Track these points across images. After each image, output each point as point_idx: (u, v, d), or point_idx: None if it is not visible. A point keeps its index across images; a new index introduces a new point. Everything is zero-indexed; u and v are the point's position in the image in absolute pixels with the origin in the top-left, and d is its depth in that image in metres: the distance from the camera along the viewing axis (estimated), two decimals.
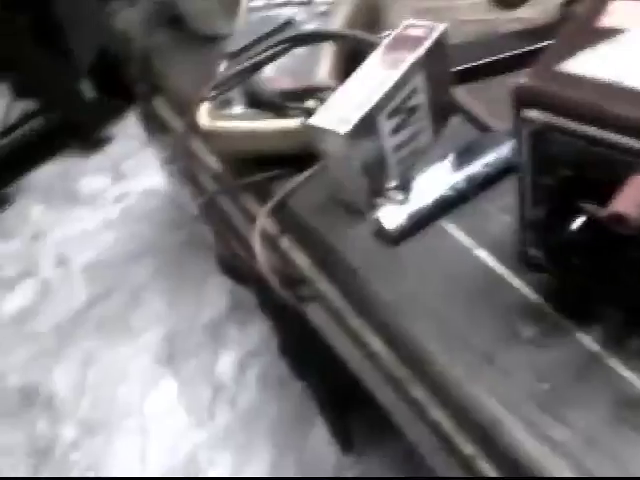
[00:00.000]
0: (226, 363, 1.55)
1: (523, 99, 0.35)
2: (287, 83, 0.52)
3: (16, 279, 1.84)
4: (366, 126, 0.46)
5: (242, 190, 0.58)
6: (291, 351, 1.12)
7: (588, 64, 0.34)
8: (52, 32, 1.00)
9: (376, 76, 0.48)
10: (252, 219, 0.55)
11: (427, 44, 0.50)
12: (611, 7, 0.37)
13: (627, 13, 0.37)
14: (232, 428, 1.45)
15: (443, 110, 0.54)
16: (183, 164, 0.81)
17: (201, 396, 1.50)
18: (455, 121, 0.55)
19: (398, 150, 0.50)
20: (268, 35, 0.57)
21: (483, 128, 0.51)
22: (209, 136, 0.54)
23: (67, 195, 2.03)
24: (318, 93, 0.53)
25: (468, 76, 0.57)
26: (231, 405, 1.49)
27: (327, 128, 0.46)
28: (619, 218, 0.30)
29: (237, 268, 0.87)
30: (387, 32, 0.60)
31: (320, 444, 1.41)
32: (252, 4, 0.62)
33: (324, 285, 0.53)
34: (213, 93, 0.55)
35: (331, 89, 0.51)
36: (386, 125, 0.48)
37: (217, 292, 1.69)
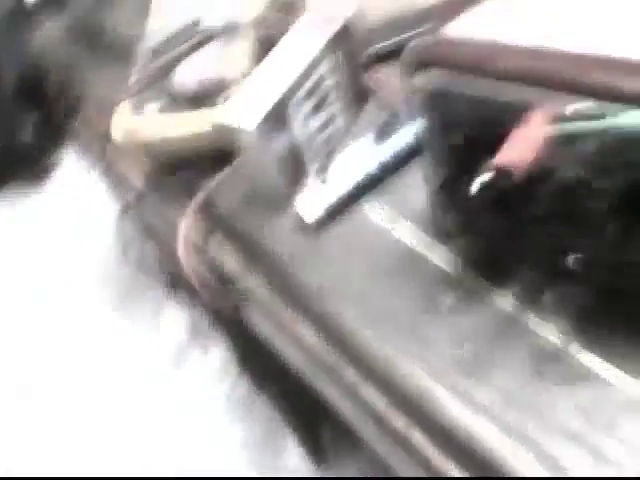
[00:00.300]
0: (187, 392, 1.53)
1: (413, 63, 0.36)
2: (198, 80, 0.53)
3: None
4: (276, 117, 0.47)
5: (164, 197, 0.57)
6: (250, 366, 1.10)
7: (467, 26, 0.35)
8: None
9: (283, 64, 0.48)
10: (176, 223, 0.55)
11: (334, 28, 0.50)
12: None
13: None
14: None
15: (358, 94, 0.54)
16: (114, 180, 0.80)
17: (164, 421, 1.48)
18: (372, 105, 0.56)
19: (313, 137, 0.50)
20: (178, 36, 0.58)
21: (396, 109, 0.52)
22: (125, 135, 0.54)
23: (12, 227, 1.99)
24: (230, 88, 0.53)
25: (383, 58, 0.58)
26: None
27: (234, 126, 0.46)
28: (502, 171, 0.30)
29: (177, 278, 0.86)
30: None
31: (294, 460, 1.39)
32: (162, 5, 0.63)
33: (253, 281, 0.53)
34: (129, 96, 0.55)
35: (240, 83, 0.52)
36: (297, 113, 0.48)
37: (174, 318, 1.67)
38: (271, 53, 0.50)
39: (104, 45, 0.74)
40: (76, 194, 1.95)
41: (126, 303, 1.74)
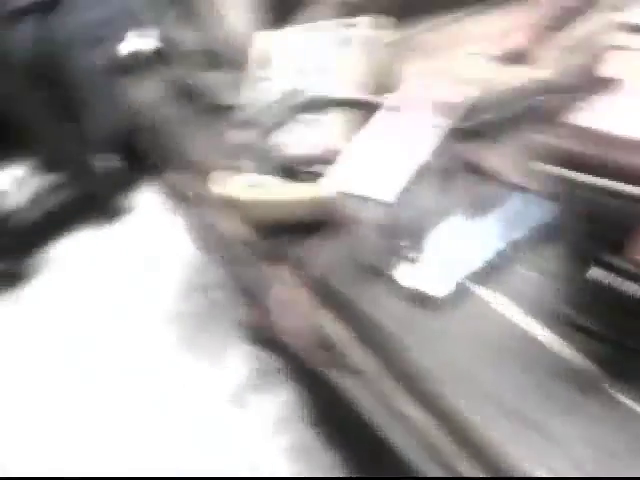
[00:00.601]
0: (251, 434, 1.52)
1: (549, 156, 0.35)
2: (299, 150, 0.53)
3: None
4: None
5: (263, 256, 0.58)
6: (323, 420, 1.09)
7: (596, 116, 0.35)
8: (68, 108, 1.03)
9: (401, 138, 0.48)
10: (274, 284, 0.55)
11: (458, 110, 0.50)
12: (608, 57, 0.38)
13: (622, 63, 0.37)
14: None
15: (453, 167, 0.54)
16: (203, 232, 0.82)
17: (225, 467, 1.47)
18: (468, 178, 0.55)
19: (423, 210, 0.50)
20: (277, 103, 0.59)
21: (501, 185, 0.51)
22: (226, 204, 0.55)
23: (86, 267, 2.04)
24: (330, 158, 0.53)
25: (477, 133, 0.57)
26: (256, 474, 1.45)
27: (368, 196, 0.46)
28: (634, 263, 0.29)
29: (263, 335, 0.87)
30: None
31: None
32: (261, 74, 0.65)
33: (357, 352, 0.52)
34: (226, 161, 0.56)
35: (341, 153, 0.52)
36: (410, 187, 0.48)
37: (238, 360, 1.68)
38: (378, 123, 0.51)
39: (201, 105, 0.76)
40: (154, 235, 2.01)
41: (193, 340, 1.77)
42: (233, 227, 0.62)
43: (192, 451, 1.50)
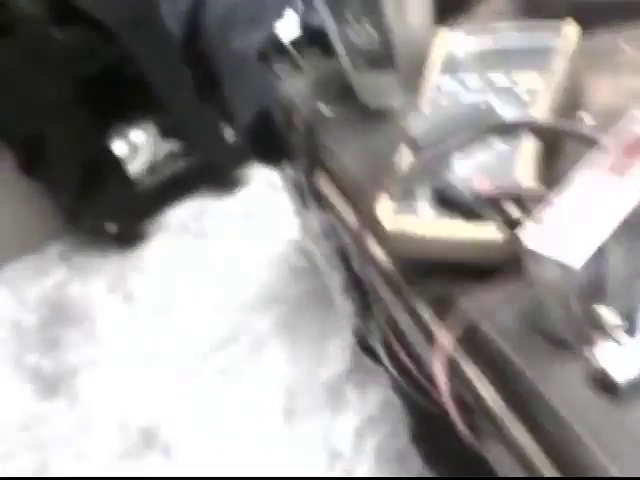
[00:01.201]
0: (344, 429, 1.50)
1: None
2: (483, 184, 0.48)
3: (148, 315, 1.89)
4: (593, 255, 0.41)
5: (415, 294, 0.53)
6: (426, 441, 1.05)
7: None
8: (209, 84, 1.02)
9: (606, 191, 0.42)
10: (428, 332, 0.51)
11: None
12: None
13: None
14: None
15: None
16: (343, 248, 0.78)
17: (316, 462, 1.46)
18: None
19: (622, 275, 0.44)
20: (459, 122, 0.53)
21: None
22: (386, 235, 0.51)
23: (198, 235, 2.07)
24: (519, 198, 0.48)
25: None
26: (347, 474, 1.44)
27: (552, 258, 0.41)
28: None
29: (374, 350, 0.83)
30: (585, 115, 0.55)
31: None
32: (440, 83, 0.58)
33: (513, 425, 0.47)
34: (394, 187, 0.51)
35: (535, 194, 0.47)
36: (613, 250, 0.42)
37: (337, 350, 1.66)
38: (581, 168, 0.44)
39: (352, 105, 0.71)
40: (265, 213, 2.01)
41: (294, 321, 1.77)
42: (381, 254, 0.58)
43: (281, 440, 1.51)
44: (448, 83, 0.57)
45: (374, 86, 0.66)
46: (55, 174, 1.96)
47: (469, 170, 0.50)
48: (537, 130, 0.52)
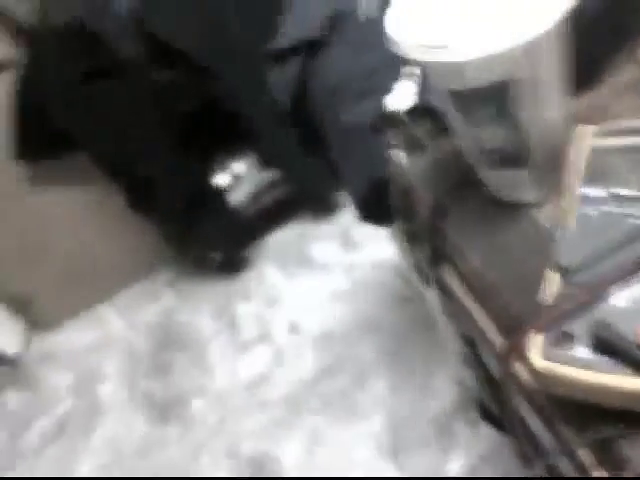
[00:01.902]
0: (453, 468, 1.48)
1: None
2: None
3: (252, 342, 1.93)
4: None
5: (572, 432, 0.51)
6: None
7: None
8: (316, 144, 1.03)
9: None
10: (582, 469, 0.48)
11: None
12: None
13: None
14: None
15: None
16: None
17: None
18: None
19: None
20: (614, 247, 0.50)
21: None
22: (539, 375, 0.48)
23: (300, 261, 2.10)
24: None
25: None
26: None
27: None
28: None
29: (498, 419, 0.80)
30: None
31: None
32: (586, 192, 0.55)
33: None
34: (545, 321, 0.49)
35: None
36: None
37: (443, 383, 1.64)
38: None
39: (476, 193, 0.68)
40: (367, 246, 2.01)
41: (398, 349, 1.75)
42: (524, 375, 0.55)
43: (387, 474, 1.51)
44: (594, 192, 0.54)
45: (505, 180, 0.64)
46: (162, 208, 2.04)
47: (635, 307, 0.46)
48: None
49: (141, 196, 2.06)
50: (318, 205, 2.13)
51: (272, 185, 2.09)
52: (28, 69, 1.90)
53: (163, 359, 1.99)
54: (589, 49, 0.70)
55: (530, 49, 0.53)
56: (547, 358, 0.47)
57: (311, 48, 1.00)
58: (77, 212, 2.14)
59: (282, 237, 2.17)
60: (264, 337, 1.93)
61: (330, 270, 2.02)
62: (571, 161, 0.57)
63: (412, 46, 0.54)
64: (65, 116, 1.95)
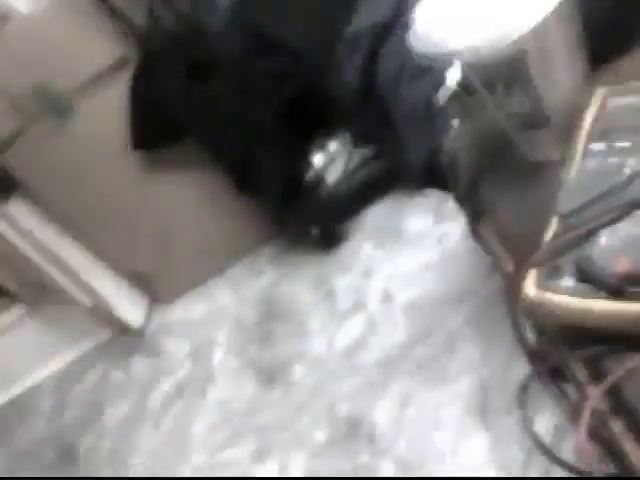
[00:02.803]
0: (541, 428, 1.52)
1: None
2: (625, 264, 0.51)
3: (348, 312, 2.05)
4: None
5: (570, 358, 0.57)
6: None
7: None
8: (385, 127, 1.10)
9: None
10: (582, 393, 0.55)
11: None
12: None
13: None
14: None
15: None
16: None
17: (514, 457, 1.50)
18: None
19: None
20: (607, 193, 0.56)
21: None
22: (533, 306, 0.56)
23: (394, 235, 2.18)
24: None
25: None
26: (546, 472, 1.46)
27: None
28: None
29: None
30: None
31: None
32: (591, 146, 0.61)
33: None
34: (541, 258, 0.56)
35: None
36: None
37: None
38: None
39: (511, 156, 0.74)
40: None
41: (487, 317, 1.80)
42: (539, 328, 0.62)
43: (476, 435, 1.57)
44: (597, 146, 0.60)
45: (532, 141, 0.71)
46: (264, 188, 2.19)
47: (612, 246, 0.52)
48: None
49: (246, 179, 2.22)
50: (410, 179, 2.19)
51: (366, 162, 2.19)
52: (142, 66, 2.10)
53: (268, 329, 2.16)
54: (619, 16, 0.74)
55: (536, 30, 0.60)
56: (539, 287, 0.55)
57: (379, 33, 1.08)
58: (189, 196, 2.34)
59: (376, 212, 2.26)
60: (359, 306, 2.04)
61: (422, 242, 2.09)
62: (585, 120, 0.63)
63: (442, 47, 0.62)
64: (176, 108, 2.15)
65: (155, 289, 2.51)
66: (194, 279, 2.47)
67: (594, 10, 0.67)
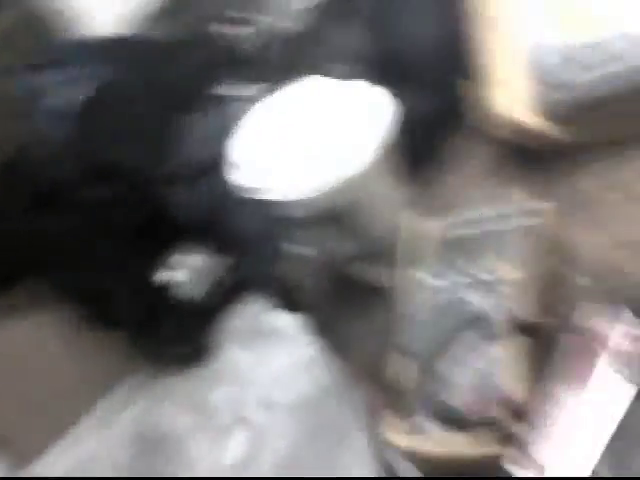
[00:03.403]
0: None
1: None
2: (473, 399, 0.49)
3: (231, 428, 1.91)
4: None
5: None
6: None
7: None
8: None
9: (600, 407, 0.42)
10: None
11: None
12: None
13: None
14: None
15: None
16: None
17: None
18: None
19: None
20: (456, 330, 0.55)
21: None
22: (406, 452, 0.52)
23: (266, 334, 2.11)
24: (512, 408, 0.49)
25: None
26: None
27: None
28: None
29: None
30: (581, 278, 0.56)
31: None
32: (421, 278, 0.60)
33: None
34: (397, 404, 0.53)
35: (523, 403, 0.48)
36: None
37: None
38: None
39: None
40: None
41: None
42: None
43: None
44: (429, 279, 0.59)
45: (367, 272, 0.70)
46: (121, 319, 2.06)
47: (465, 379, 0.51)
48: (530, 329, 0.53)
49: (102, 312, 2.08)
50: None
51: (229, 271, 2.13)
52: None
53: (146, 465, 1.96)
54: (426, 143, 0.77)
55: (354, 180, 0.59)
56: (406, 435, 0.51)
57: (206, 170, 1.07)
58: (36, 340, 2.14)
59: (245, 312, 2.18)
60: (241, 420, 1.91)
61: (293, 341, 2.03)
62: (420, 252, 0.63)
63: (254, 189, 0.61)
64: (14, 247, 2.00)
65: (12, 450, 2.23)
66: (56, 430, 2.22)
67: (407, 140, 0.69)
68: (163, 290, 2.09)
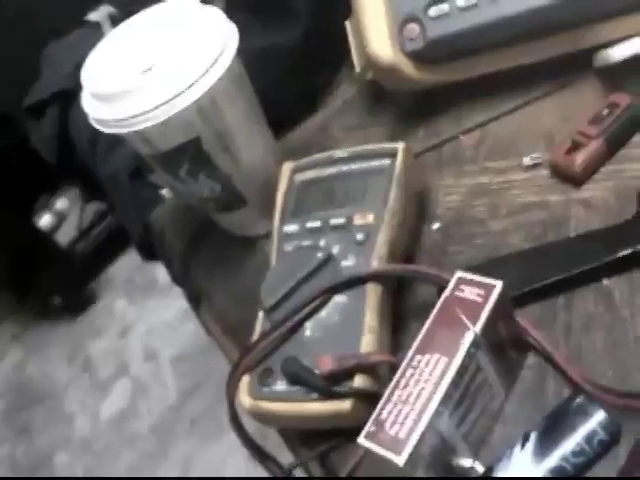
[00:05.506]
0: None
1: None
2: (329, 364, 0.48)
3: (110, 380, 1.88)
4: (427, 435, 0.41)
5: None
6: None
7: None
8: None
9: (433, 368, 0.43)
10: None
11: (484, 314, 0.44)
12: None
13: None
14: None
15: (511, 366, 0.48)
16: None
17: None
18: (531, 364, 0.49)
19: (467, 434, 0.45)
20: (303, 280, 0.53)
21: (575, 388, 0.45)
22: (252, 413, 0.51)
23: (147, 286, 2.06)
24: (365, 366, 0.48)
25: (525, 300, 0.51)
26: None
27: (381, 454, 0.41)
28: None
29: None
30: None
31: None
32: (286, 229, 0.58)
33: None
34: (250, 366, 0.51)
35: (380, 362, 0.48)
36: (450, 421, 0.43)
37: None
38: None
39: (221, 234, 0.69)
40: None
41: None
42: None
43: None
44: (290, 226, 0.57)
45: (230, 221, 0.66)
46: None
47: (318, 338, 0.49)
48: (380, 277, 0.52)
49: None
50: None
51: (101, 216, 2.03)
52: None
53: (21, 420, 1.91)
54: (293, 78, 0.73)
55: (203, 106, 0.54)
56: (253, 396, 0.50)
57: (66, 99, 0.98)
58: None
59: (125, 264, 2.12)
60: (122, 371, 1.89)
61: (177, 291, 2.00)
62: (277, 198, 0.60)
63: (101, 121, 0.55)
64: None
65: None
66: None
67: (265, 77, 0.65)
68: (33, 234, 1.97)
